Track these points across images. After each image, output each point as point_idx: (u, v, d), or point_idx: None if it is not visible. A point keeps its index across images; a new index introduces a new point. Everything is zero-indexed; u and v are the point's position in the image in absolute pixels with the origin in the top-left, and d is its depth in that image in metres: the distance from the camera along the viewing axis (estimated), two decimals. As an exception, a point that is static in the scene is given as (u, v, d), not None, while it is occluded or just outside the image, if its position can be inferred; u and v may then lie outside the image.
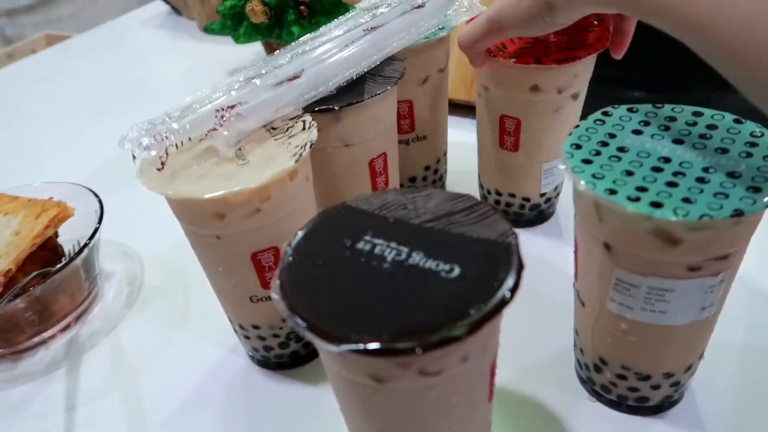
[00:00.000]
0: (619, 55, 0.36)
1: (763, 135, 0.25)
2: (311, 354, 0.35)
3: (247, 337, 0.34)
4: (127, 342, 0.40)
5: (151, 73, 0.82)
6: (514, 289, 0.19)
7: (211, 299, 0.33)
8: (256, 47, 0.77)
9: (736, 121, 0.26)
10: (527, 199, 0.42)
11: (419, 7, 0.37)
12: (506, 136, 0.39)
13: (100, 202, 0.42)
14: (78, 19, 1.68)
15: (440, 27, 0.39)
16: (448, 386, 0.21)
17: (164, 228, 0.35)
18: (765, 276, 0.37)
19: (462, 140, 0.52)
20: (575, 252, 0.28)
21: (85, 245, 0.39)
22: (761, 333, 0.34)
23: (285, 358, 0.35)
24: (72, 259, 0.38)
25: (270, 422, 0.33)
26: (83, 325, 0.41)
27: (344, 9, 0.66)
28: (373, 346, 0.18)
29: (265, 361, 0.35)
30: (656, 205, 0.22)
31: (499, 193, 0.42)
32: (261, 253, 0.29)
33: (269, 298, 0.31)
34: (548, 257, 0.41)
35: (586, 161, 0.25)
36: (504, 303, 0.19)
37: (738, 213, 0.21)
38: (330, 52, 0.33)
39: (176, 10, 0.99)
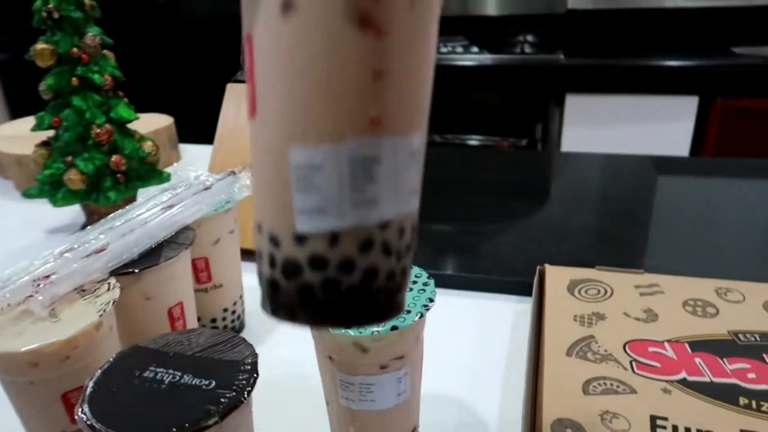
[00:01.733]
0: None
1: (420, 276, 0.39)
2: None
3: (56, 472, 0.39)
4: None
5: (-40, 233, 0.84)
6: (248, 392, 0.29)
7: (23, 442, 0.38)
8: (75, 207, 0.84)
9: (429, 277, 0.40)
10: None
11: (208, 188, 0.49)
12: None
13: None
14: None
15: (227, 201, 0.51)
16: (209, 468, 0.29)
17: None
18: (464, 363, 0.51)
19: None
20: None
21: None
22: (466, 410, 0.47)
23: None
24: None
25: None
26: None
27: (159, 175, 0.76)
28: (148, 440, 0.26)
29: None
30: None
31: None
32: (71, 393, 0.36)
33: None
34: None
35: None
36: (241, 401, 0.29)
37: (395, 328, 0.34)
38: (133, 227, 0.43)
39: (-9, 170, 1.02)
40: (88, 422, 0.28)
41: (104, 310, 0.36)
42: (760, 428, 0.37)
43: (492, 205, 0.82)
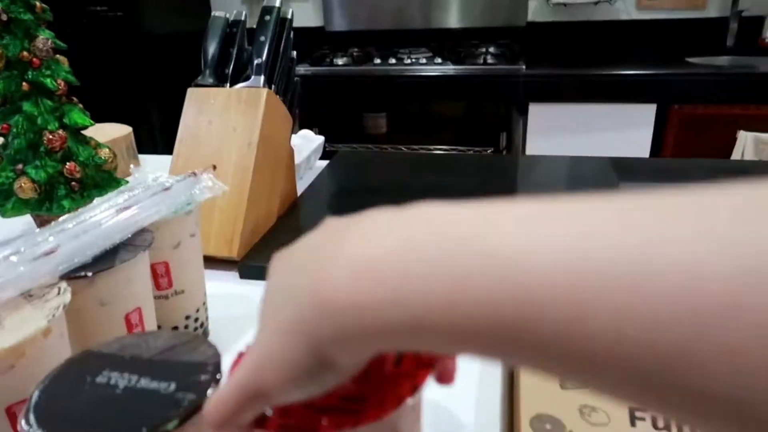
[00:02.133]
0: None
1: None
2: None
3: (2, 494, 0.36)
4: None
5: None
6: (209, 394, 0.27)
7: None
8: (26, 218, 0.80)
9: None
10: None
11: (167, 189, 0.46)
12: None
13: None
14: None
15: (188, 203, 0.48)
16: (170, 478, 0.27)
17: None
18: None
19: (223, 291, 0.61)
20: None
21: None
22: (443, 411, 0.46)
23: None
24: None
25: None
26: None
27: (116, 182, 0.73)
28: (102, 448, 0.24)
29: None
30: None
31: None
32: (17, 406, 0.33)
33: (25, 448, 0.34)
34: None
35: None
36: (202, 404, 0.27)
37: None
38: (86, 229, 0.40)
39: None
40: (36, 433, 0.25)
41: (53, 315, 0.34)
42: (738, 416, 0.37)
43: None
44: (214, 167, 0.51)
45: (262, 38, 0.74)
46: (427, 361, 0.25)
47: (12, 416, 0.33)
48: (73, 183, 0.69)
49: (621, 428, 0.36)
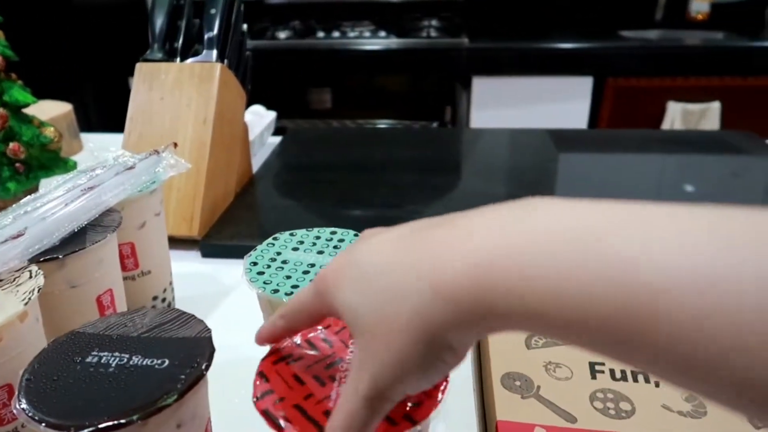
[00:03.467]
0: None
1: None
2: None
3: (-19, 481, 0.35)
4: None
5: None
6: (207, 367, 0.28)
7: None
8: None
9: (356, 235, 0.40)
10: None
11: (131, 168, 0.45)
12: None
13: None
14: None
15: (152, 181, 0.48)
16: (168, 451, 0.28)
17: None
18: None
19: (187, 270, 0.60)
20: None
21: None
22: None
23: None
24: None
25: None
26: None
27: (63, 163, 0.71)
28: (103, 425, 0.24)
29: (3, 501, 0.36)
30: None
31: None
32: (-5, 392, 0.33)
33: (5, 433, 0.34)
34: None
35: (260, 273, 0.35)
36: (201, 376, 0.27)
37: None
38: (52, 210, 0.39)
39: None
40: (33, 416, 0.25)
41: (29, 299, 0.33)
42: (685, 364, 0.41)
43: (411, 182, 0.83)
44: (175, 145, 0.50)
45: (213, 11, 0.72)
46: None
47: (-9, 402, 0.33)
48: (18, 164, 0.66)
49: (583, 381, 0.39)
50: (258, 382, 0.28)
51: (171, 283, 0.54)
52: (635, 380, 0.39)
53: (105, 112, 1.93)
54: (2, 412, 0.33)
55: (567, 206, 0.20)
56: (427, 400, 0.26)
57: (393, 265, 0.21)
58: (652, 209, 0.18)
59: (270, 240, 0.39)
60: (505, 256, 0.19)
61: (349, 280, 0.23)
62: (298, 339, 0.29)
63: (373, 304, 0.22)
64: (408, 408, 0.25)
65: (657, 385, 0.39)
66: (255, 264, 0.36)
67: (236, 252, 0.62)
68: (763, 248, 0.16)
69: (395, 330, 0.21)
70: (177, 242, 0.64)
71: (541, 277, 0.18)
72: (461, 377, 0.44)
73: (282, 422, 0.25)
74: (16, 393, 0.26)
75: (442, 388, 0.27)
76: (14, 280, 0.35)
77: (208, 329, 0.30)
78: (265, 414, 0.26)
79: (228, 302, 0.56)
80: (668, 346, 0.16)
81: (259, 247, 0.38)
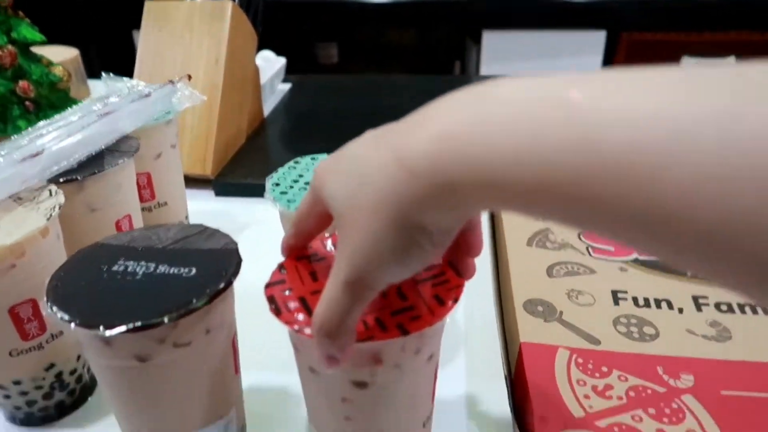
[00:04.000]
0: (471, 276, 0.27)
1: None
2: (76, 402, 0.38)
3: (7, 396, 0.35)
4: None
5: None
6: (235, 274, 0.28)
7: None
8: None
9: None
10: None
11: (146, 96, 0.45)
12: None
13: None
14: None
15: (167, 111, 0.47)
16: (197, 356, 0.27)
17: None
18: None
19: (201, 208, 0.60)
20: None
21: None
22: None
23: (51, 410, 0.37)
24: None
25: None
26: None
27: (72, 103, 0.70)
28: (136, 324, 0.24)
29: (28, 418, 0.36)
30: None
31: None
32: (19, 306, 0.32)
33: (30, 349, 0.34)
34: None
35: (283, 192, 0.35)
36: (230, 283, 0.27)
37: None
38: (69, 133, 0.38)
39: None
40: (62, 317, 0.25)
41: (51, 215, 0.33)
42: (707, 293, 0.40)
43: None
44: (189, 77, 0.49)
45: (222, -53, 0.70)
46: (457, 282, 0.26)
47: (15, 317, 0.33)
48: (27, 103, 0.65)
49: (606, 307, 0.39)
50: (275, 272, 0.27)
51: (187, 218, 0.54)
52: (658, 307, 0.39)
53: (109, 66, 1.90)
54: (27, 327, 0.33)
55: (532, 79, 0.19)
56: (428, 316, 0.24)
57: (369, 151, 0.21)
58: (621, 73, 0.17)
59: (291, 163, 0.38)
60: (466, 124, 0.19)
61: (334, 172, 0.23)
62: (329, 244, 0.29)
63: (349, 191, 0.21)
64: (403, 318, 0.24)
65: (680, 311, 0.39)
66: (277, 185, 0.36)
67: (248, 190, 0.62)
68: (726, 101, 0.15)
69: (367, 212, 0.21)
70: (191, 182, 0.64)
71: (501, 143, 0.18)
72: (482, 308, 0.44)
73: (282, 309, 0.25)
74: (44, 298, 0.26)
75: (448, 306, 0.25)
76: (33, 198, 0.35)
77: (234, 242, 0.30)
78: (270, 299, 0.25)
79: (242, 238, 0.56)
80: (626, 202, 0.16)
81: (281, 170, 0.37)
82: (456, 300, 0.25)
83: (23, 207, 0.34)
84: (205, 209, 0.61)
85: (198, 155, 0.64)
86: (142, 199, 0.47)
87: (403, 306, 0.25)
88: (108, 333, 0.24)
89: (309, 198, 0.25)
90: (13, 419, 0.37)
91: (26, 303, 0.33)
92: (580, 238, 0.47)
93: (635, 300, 0.40)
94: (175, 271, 0.28)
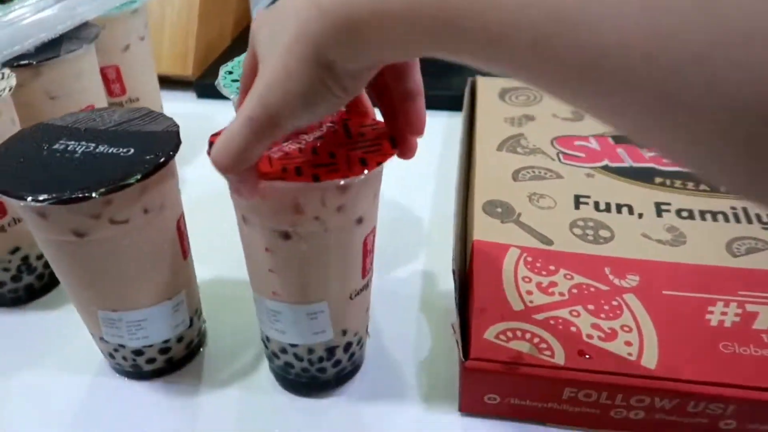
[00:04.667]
0: (411, 155, 0.27)
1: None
2: (46, 286, 0.39)
3: (-24, 276, 0.37)
4: None
5: None
6: (172, 155, 0.28)
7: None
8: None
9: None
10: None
11: (108, -19, 0.43)
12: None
13: None
14: None
15: (133, 1, 0.45)
16: (137, 235, 0.28)
17: None
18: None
19: (182, 111, 0.59)
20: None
21: None
22: (400, 208, 0.48)
23: (20, 292, 0.38)
24: None
25: (20, 355, 0.36)
26: None
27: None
28: (63, 195, 0.25)
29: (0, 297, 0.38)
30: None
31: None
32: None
33: (-9, 230, 0.35)
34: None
35: (235, 80, 0.34)
36: (165, 162, 0.27)
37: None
38: (23, 16, 0.38)
39: None
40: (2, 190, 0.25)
41: (0, 96, 0.32)
42: (672, 200, 0.40)
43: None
44: (159, -34, 0.47)
45: None
46: (389, 152, 0.26)
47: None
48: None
49: (565, 210, 0.39)
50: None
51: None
52: (619, 212, 0.39)
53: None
54: (-16, 208, 0.34)
55: None
56: (344, 171, 0.25)
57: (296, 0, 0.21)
58: None
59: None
60: None
61: (264, 23, 0.23)
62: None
63: (271, 32, 0.22)
64: (322, 170, 0.25)
65: (640, 216, 0.38)
66: (230, 72, 0.35)
67: (231, 91, 0.61)
68: None
69: (282, 50, 0.21)
70: (171, 83, 0.63)
71: None
72: (447, 210, 0.44)
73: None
74: (-18, 172, 0.27)
75: (369, 167, 0.25)
76: (-14, 81, 0.34)
77: (176, 124, 0.30)
78: (210, 144, 0.25)
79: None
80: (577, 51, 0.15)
81: (237, 59, 0.37)
82: (379, 164, 0.25)
83: (-26, 89, 0.34)
84: (186, 112, 0.60)
85: (178, 54, 0.63)
86: (112, 93, 0.47)
87: (328, 162, 0.25)
88: (33, 203, 0.24)
89: (248, 52, 0.25)
90: (-18, 299, 0.39)
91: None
92: (552, 144, 0.46)
93: (596, 204, 0.39)
94: (114, 150, 0.28)
